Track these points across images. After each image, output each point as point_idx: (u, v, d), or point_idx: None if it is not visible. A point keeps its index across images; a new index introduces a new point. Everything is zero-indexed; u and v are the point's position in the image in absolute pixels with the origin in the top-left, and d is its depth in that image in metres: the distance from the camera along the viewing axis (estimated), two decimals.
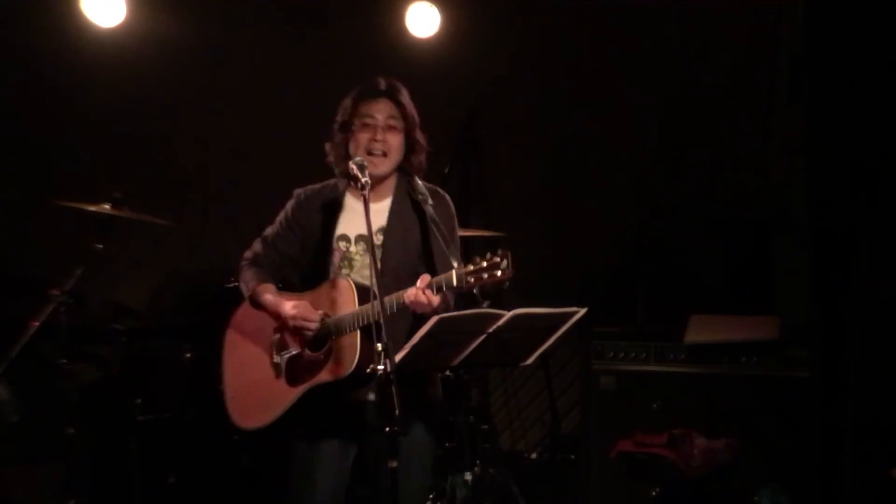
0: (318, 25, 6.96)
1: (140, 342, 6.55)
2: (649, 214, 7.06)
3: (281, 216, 4.33)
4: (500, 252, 3.91)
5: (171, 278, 7.04)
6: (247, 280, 4.28)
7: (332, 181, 4.33)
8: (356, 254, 4.19)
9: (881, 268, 5.75)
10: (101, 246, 5.41)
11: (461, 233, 6.00)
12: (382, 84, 4.24)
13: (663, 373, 5.91)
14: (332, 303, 4.10)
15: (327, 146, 4.29)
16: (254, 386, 4.25)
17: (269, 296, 4.23)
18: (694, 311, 6.02)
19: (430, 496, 5.58)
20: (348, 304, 4.05)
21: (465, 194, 6.90)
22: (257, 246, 4.33)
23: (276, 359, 4.21)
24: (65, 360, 5.38)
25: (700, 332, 5.87)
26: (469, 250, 6.67)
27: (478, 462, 5.88)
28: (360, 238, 4.20)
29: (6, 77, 6.67)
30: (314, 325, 4.10)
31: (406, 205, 4.23)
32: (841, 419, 5.72)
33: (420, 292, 3.91)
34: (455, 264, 3.90)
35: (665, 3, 6.84)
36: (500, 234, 6.32)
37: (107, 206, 5.45)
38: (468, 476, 5.72)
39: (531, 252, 7.28)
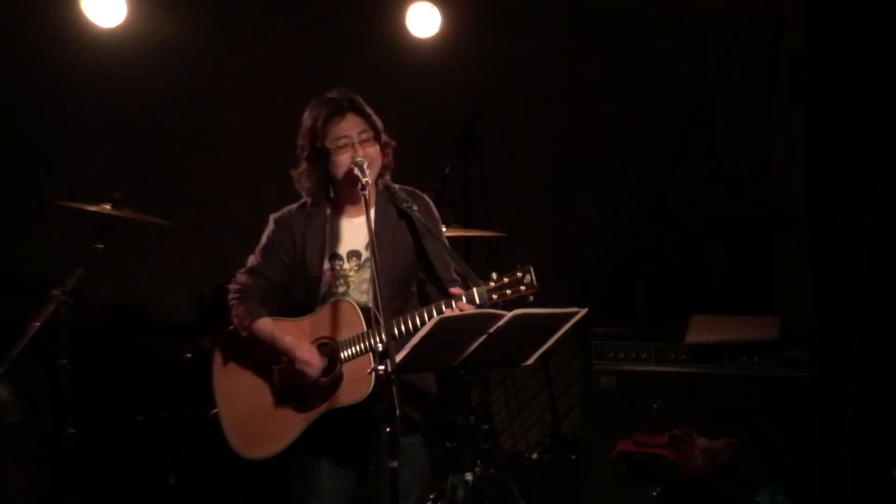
0: (318, 25, 6.96)
1: (140, 342, 6.56)
2: (649, 214, 7.05)
3: (263, 244, 4.22)
4: (521, 267, 3.94)
5: (171, 278, 7.03)
6: (241, 316, 4.15)
7: (307, 200, 4.24)
8: (350, 270, 4.15)
9: (881, 268, 5.76)
10: (101, 246, 5.39)
11: (462, 233, 6.05)
12: (342, 99, 4.15)
13: (663, 373, 5.90)
14: (336, 326, 4.05)
15: (297, 173, 4.19)
16: (255, 414, 4.15)
17: (268, 331, 4.12)
18: (694, 311, 6.02)
19: (431, 496, 5.58)
20: (355, 326, 4.02)
21: (465, 194, 6.89)
22: (243, 278, 4.21)
23: (280, 386, 4.13)
24: (65, 360, 5.36)
25: (700, 332, 5.87)
26: (470, 250, 6.69)
27: (478, 462, 5.87)
28: (351, 254, 4.15)
29: (6, 77, 6.67)
30: (315, 374, 4.04)
31: (390, 213, 4.18)
32: (841, 419, 5.73)
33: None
34: (477, 283, 3.94)
35: (665, 4, 6.84)
36: (500, 234, 6.31)
37: (107, 206, 5.44)
38: (468, 476, 5.72)
39: (531, 252, 7.27)
